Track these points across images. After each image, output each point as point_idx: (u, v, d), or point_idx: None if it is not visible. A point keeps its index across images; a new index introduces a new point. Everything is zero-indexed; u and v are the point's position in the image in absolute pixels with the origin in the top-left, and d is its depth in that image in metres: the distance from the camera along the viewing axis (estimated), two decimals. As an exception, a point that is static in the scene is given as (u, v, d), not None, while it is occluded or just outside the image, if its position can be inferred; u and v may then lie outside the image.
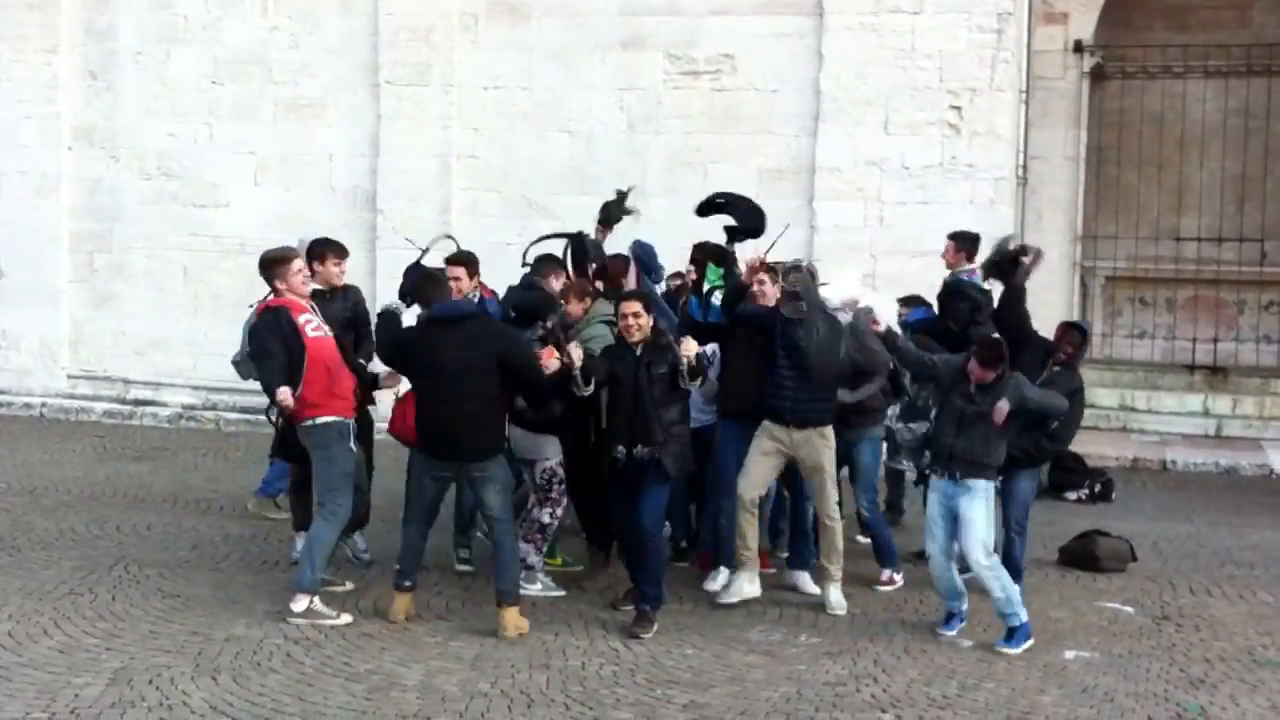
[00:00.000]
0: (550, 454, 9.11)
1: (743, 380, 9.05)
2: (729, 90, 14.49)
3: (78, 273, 16.40)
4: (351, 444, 8.60)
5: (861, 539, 10.18)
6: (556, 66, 14.87)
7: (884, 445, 10.17)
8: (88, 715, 6.85)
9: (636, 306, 8.48)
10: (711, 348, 9.48)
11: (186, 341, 16.01)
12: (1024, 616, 8.28)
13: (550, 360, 8.29)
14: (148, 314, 16.16)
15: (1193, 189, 17.63)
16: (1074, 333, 9.36)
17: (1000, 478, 8.65)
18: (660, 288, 10.20)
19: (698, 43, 14.52)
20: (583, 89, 14.83)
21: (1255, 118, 17.30)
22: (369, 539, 9.75)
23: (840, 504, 9.17)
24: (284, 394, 8.24)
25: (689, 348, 8.37)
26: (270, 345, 8.38)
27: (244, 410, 14.93)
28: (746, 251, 9.62)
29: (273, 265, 8.56)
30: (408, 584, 8.48)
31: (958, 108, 13.87)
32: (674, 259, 10.23)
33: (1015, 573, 9.13)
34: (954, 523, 8.37)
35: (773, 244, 9.54)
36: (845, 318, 9.04)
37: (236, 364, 9.36)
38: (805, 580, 9.30)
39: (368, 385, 9.24)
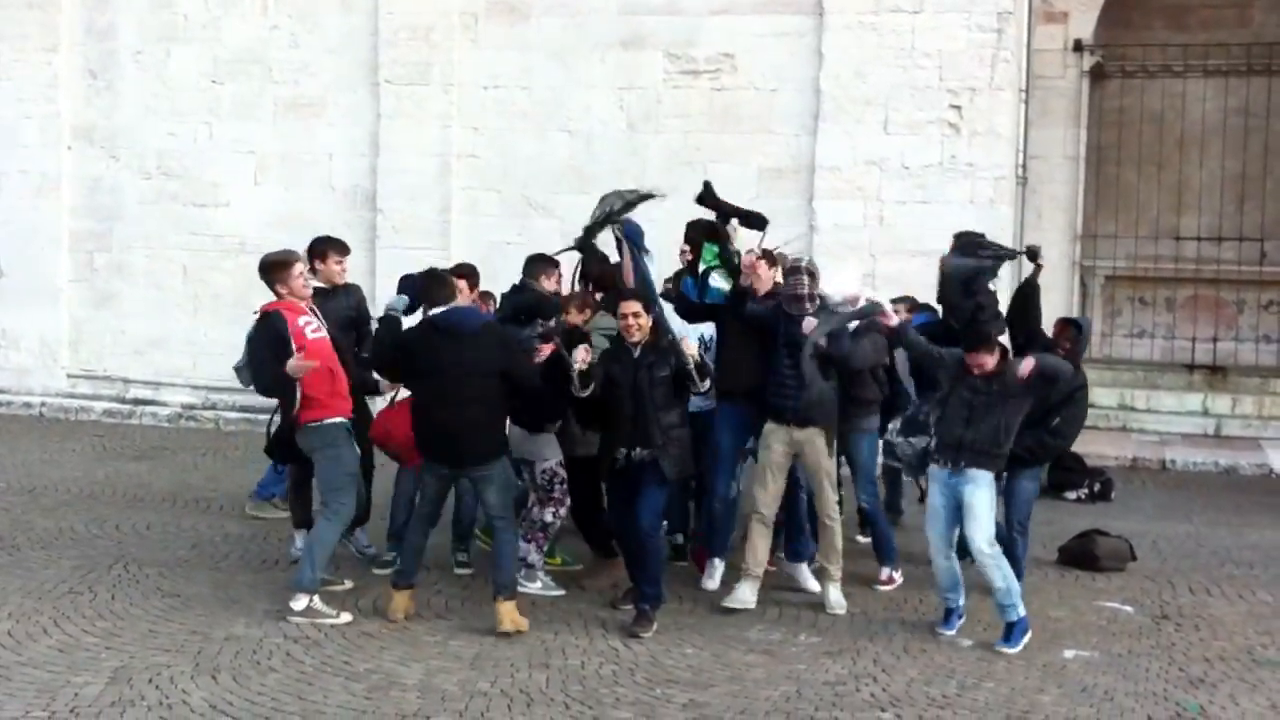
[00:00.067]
0: (549, 455, 9.11)
1: (739, 361, 9.03)
2: (729, 89, 14.49)
3: (78, 272, 16.41)
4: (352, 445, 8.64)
5: (861, 538, 10.19)
6: (556, 66, 14.88)
7: (880, 444, 10.14)
8: (87, 714, 6.85)
9: (636, 306, 8.47)
10: (709, 331, 9.49)
11: (186, 341, 16.02)
12: (1023, 611, 8.28)
13: (545, 349, 8.31)
14: (147, 313, 16.16)
15: (1192, 188, 17.65)
16: (1070, 329, 9.47)
17: (1004, 475, 8.68)
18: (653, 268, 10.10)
19: (697, 42, 14.53)
20: (582, 88, 14.83)
21: (1255, 117, 17.32)
22: (369, 539, 9.78)
23: (841, 503, 9.18)
24: (295, 362, 8.22)
25: (690, 347, 8.37)
26: (262, 353, 8.39)
27: (244, 410, 14.93)
28: (749, 241, 9.63)
29: (273, 269, 8.54)
30: (407, 583, 8.49)
31: (957, 107, 13.87)
32: (673, 258, 10.21)
33: (1016, 573, 9.15)
34: (956, 512, 8.37)
35: (763, 237, 9.57)
36: (847, 312, 9.06)
37: (238, 370, 9.31)
38: (803, 572, 9.31)
39: (371, 389, 9.26)
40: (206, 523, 10.89)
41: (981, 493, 8.27)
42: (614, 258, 9.91)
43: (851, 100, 14.06)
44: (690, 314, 9.44)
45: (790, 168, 14.32)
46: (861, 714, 7.14)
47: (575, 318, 9.22)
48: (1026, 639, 8.24)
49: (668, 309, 9.26)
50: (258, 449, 13.55)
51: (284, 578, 9.03)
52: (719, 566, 9.31)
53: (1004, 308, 10.33)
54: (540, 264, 9.79)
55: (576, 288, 9.89)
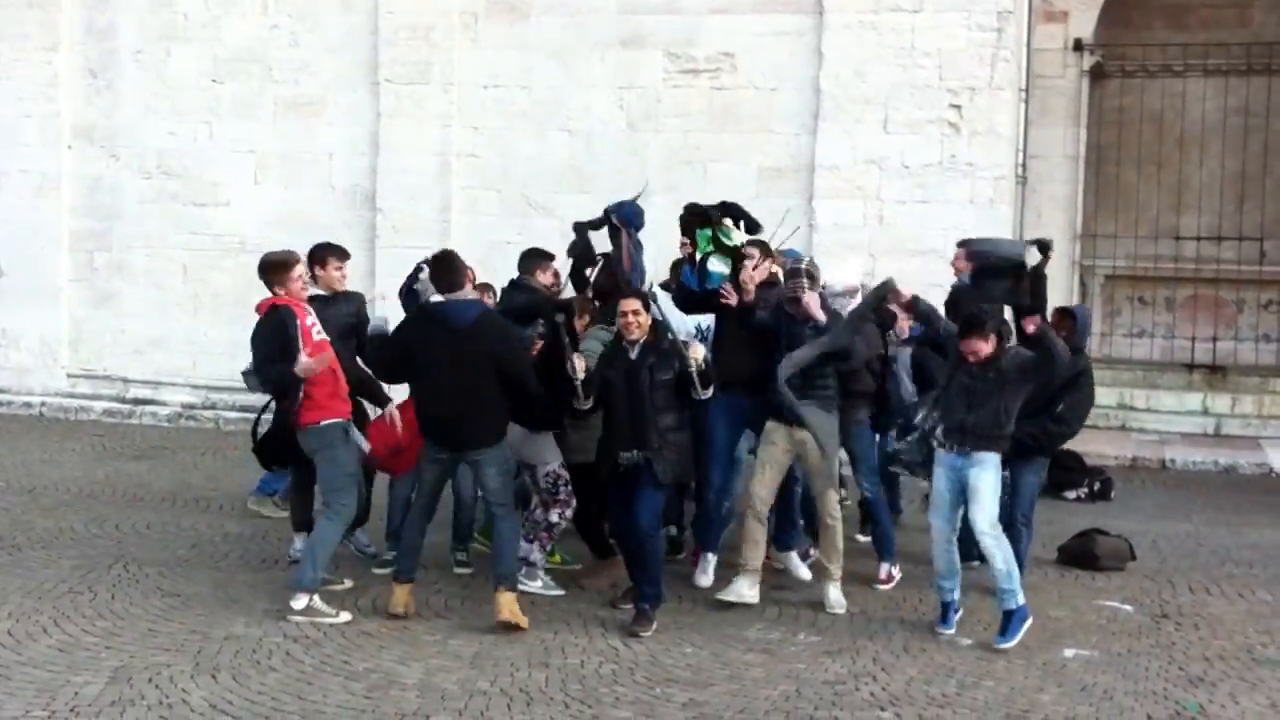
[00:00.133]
0: (550, 458, 9.10)
1: (737, 352, 9.02)
2: (728, 89, 14.50)
3: (78, 271, 16.41)
4: (359, 440, 8.62)
5: (861, 537, 10.19)
6: (556, 65, 14.88)
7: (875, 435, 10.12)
8: (87, 714, 6.85)
9: (636, 304, 8.46)
10: (707, 322, 9.48)
11: (186, 340, 16.02)
12: (1022, 599, 8.28)
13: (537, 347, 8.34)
14: (147, 313, 16.17)
15: (1192, 188, 17.66)
16: (1066, 318, 9.51)
17: (1008, 467, 8.70)
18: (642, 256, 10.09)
19: (697, 41, 14.53)
20: (582, 87, 14.84)
21: (1255, 116, 17.33)
22: (369, 538, 9.80)
23: (841, 502, 9.19)
24: (306, 362, 8.21)
25: (696, 352, 8.36)
26: (269, 348, 8.36)
27: (243, 409, 14.90)
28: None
29: (272, 270, 8.51)
30: (408, 576, 8.50)
31: (957, 106, 13.88)
32: (672, 254, 10.22)
33: (1018, 568, 9.21)
34: (960, 496, 8.39)
35: (773, 234, 9.57)
36: (847, 305, 9.06)
37: (246, 375, 9.24)
38: (794, 560, 9.31)
39: (369, 394, 9.25)
40: (206, 522, 10.89)
41: (986, 475, 8.27)
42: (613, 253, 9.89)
43: (851, 99, 14.06)
44: (691, 304, 9.43)
45: (790, 167, 14.33)
46: (861, 713, 7.14)
47: (576, 323, 9.23)
48: (1025, 627, 8.25)
49: (664, 298, 9.25)
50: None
51: (283, 577, 9.04)
52: (711, 561, 9.30)
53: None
54: (535, 259, 9.79)
55: (570, 289, 9.89)
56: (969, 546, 8.78)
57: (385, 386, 9.25)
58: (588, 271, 10.07)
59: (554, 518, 9.13)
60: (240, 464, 13.18)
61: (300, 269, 8.60)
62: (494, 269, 10.51)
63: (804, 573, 9.30)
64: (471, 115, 15.14)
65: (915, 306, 8.83)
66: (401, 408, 9.18)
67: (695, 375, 8.23)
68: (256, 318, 8.57)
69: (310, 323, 8.44)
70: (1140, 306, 17.84)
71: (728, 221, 9.49)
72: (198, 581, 9.16)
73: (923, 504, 11.15)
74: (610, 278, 9.75)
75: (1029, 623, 8.29)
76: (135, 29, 16.03)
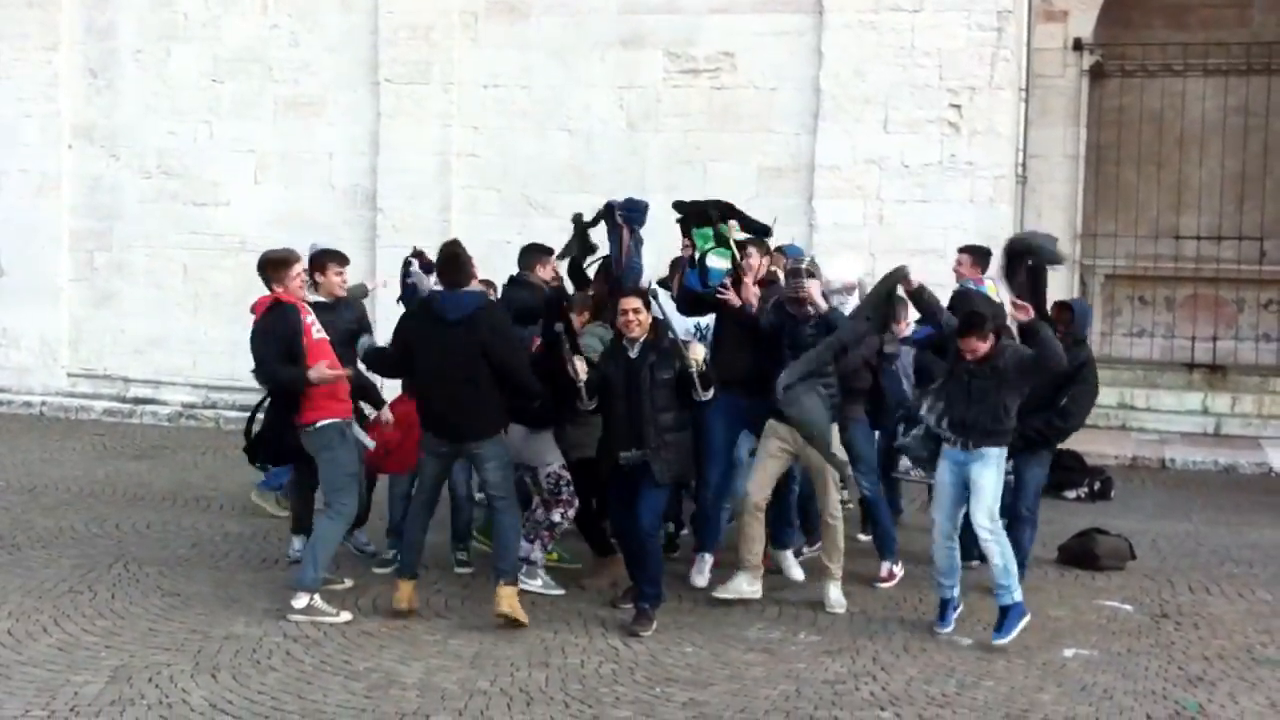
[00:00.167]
0: (551, 459, 9.10)
1: (735, 351, 9.02)
2: (728, 88, 14.50)
3: (78, 271, 16.42)
4: (362, 437, 8.62)
5: (862, 536, 10.18)
6: (556, 65, 14.88)
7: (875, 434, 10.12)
8: (87, 713, 6.85)
9: (636, 303, 8.46)
10: (707, 321, 9.48)
11: (186, 340, 16.03)
12: (1019, 595, 8.29)
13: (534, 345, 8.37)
14: (148, 312, 16.17)
15: (1192, 187, 17.66)
16: (1065, 311, 9.58)
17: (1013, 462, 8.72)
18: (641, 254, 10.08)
19: (697, 41, 14.53)
20: (582, 87, 14.84)
21: (1255, 116, 17.33)
22: (368, 537, 9.80)
23: (844, 503, 9.19)
24: (325, 373, 8.22)
25: (696, 352, 8.36)
26: (274, 344, 8.34)
27: (244, 409, 14.82)
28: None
29: (272, 267, 8.50)
30: (411, 572, 8.52)
31: (957, 106, 13.88)
32: (672, 255, 10.22)
33: (1020, 562, 9.24)
34: (963, 491, 8.39)
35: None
36: (846, 301, 9.07)
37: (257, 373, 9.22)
38: (788, 559, 9.31)
39: (369, 396, 9.27)
40: (206, 521, 10.89)
41: (988, 471, 8.28)
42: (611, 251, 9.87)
43: (851, 99, 14.07)
44: (696, 306, 9.40)
45: (790, 166, 14.34)
46: (861, 713, 7.14)
47: (575, 320, 9.24)
48: (1023, 624, 8.25)
49: (663, 295, 9.24)
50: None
51: (284, 577, 9.05)
52: (708, 561, 9.32)
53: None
54: (535, 254, 9.82)
55: (569, 285, 9.90)
56: (968, 546, 8.79)
57: (380, 383, 9.29)
58: (587, 267, 10.09)
59: (555, 517, 9.13)
60: (240, 463, 13.06)
61: (300, 267, 8.60)
62: (494, 268, 10.50)
63: (797, 573, 9.31)
64: (471, 115, 15.14)
65: (919, 296, 8.84)
66: (395, 404, 9.22)
67: (695, 376, 8.23)
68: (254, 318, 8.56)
69: (310, 320, 8.44)
70: (1140, 306, 17.84)
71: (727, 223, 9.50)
72: (198, 581, 9.16)
73: (924, 504, 11.19)
74: (605, 281, 9.74)
75: (1026, 620, 8.29)
76: (135, 28, 16.04)
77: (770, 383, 8.82)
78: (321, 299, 9.12)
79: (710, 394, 8.33)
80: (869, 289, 9.19)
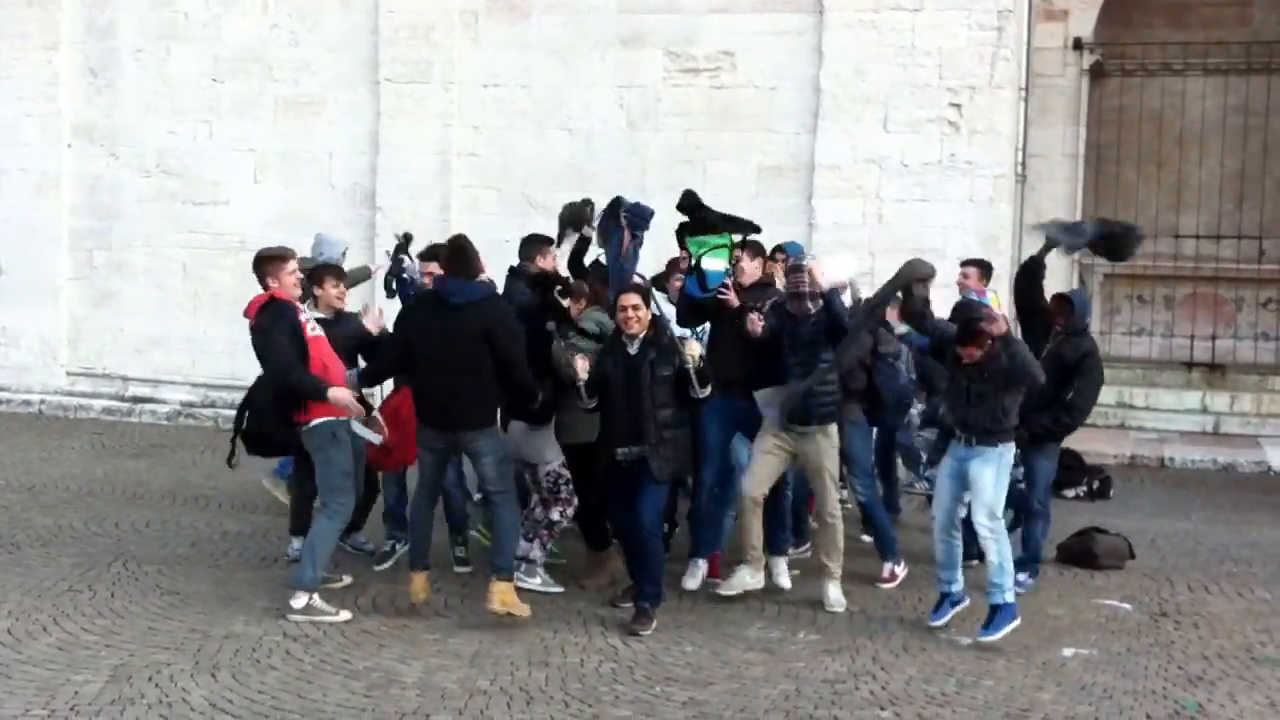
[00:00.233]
0: (551, 457, 9.12)
1: (731, 353, 9.02)
2: (728, 88, 14.49)
3: (77, 270, 16.41)
4: (366, 434, 8.62)
5: (865, 537, 10.18)
6: (556, 64, 14.88)
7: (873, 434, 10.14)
8: (87, 712, 6.86)
9: (636, 299, 8.45)
10: (704, 326, 9.49)
11: (185, 339, 16.03)
12: (1010, 596, 8.29)
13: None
14: (147, 311, 16.17)
15: (1191, 186, 17.67)
16: (1064, 304, 9.62)
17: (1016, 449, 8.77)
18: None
19: (697, 40, 14.53)
20: (582, 87, 14.84)
21: (1254, 115, 17.34)
22: (365, 536, 9.83)
23: (843, 503, 9.20)
24: (344, 397, 8.25)
25: (693, 349, 8.36)
26: (279, 338, 8.31)
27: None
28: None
29: (267, 263, 8.50)
30: (422, 564, 8.52)
31: (957, 105, 13.87)
32: (670, 248, 10.23)
33: (1035, 555, 9.27)
34: (963, 485, 8.41)
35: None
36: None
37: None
38: (781, 566, 9.30)
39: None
40: (205, 520, 10.90)
41: (988, 468, 8.28)
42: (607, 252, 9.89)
43: (851, 98, 14.06)
44: (696, 314, 9.40)
45: (790, 166, 14.33)
46: (860, 712, 7.15)
47: (572, 307, 9.27)
48: (1011, 626, 8.23)
49: (660, 297, 9.25)
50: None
51: (283, 575, 9.05)
52: (701, 567, 9.32)
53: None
54: (535, 244, 9.86)
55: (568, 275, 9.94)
56: (968, 545, 8.79)
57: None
58: (585, 260, 10.14)
59: (555, 516, 9.14)
60: (240, 462, 13.18)
61: (294, 264, 8.60)
62: (494, 268, 10.46)
63: (785, 581, 9.28)
64: (471, 114, 15.14)
65: (910, 298, 8.86)
66: (390, 399, 9.22)
67: (693, 373, 8.23)
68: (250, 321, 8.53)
69: (305, 318, 8.45)
70: (1139, 305, 17.86)
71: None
72: (197, 580, 9.17)
73: (922, 505, 11.21)
74: (600, 279, 9.78)
75: (1016, 623, 8.27)
76: (135, 28, 16.03)
77: (767, 387, 8.86)
78: (321, 315, 9.10)
79: (707, 391, 8.33)
80: (866, 289, 9.18)
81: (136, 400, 16.05)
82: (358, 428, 8.61)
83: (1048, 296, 10.06)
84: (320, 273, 9.42)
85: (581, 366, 8.32)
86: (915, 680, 7.64)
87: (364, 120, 15.39)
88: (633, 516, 8.42)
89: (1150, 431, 15.85)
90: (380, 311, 9.56)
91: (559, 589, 9.11)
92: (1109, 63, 17.32)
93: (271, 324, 8.36)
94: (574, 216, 10.34)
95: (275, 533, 10.32)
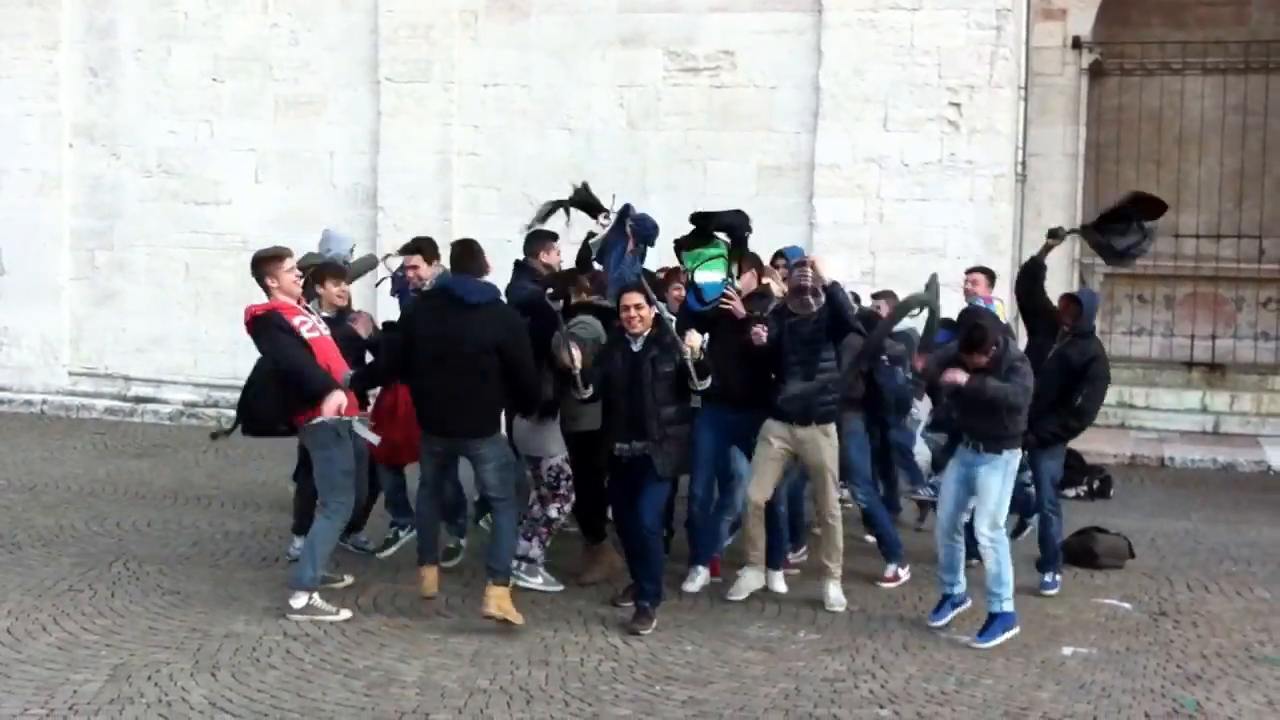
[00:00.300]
0: (555, 451, 9.14)
1: (728, 367, 8.99)
2: (728, 87, 14.50)
3: (79, 270, 16.42)
4: (364, 433, 8.63)
5: (869, 537, 10.17)
6: (556, 63, 14.89)
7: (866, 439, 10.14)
8: (87, 712, 6.87)
9: (638, 298, 8.47)
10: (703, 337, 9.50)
11: (187, 339, 16.04)
12: (1009, 606, 8.30)
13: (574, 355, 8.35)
14: (149, 311, 16.18)
15: (1191, 186, 17.65)
16: (1072, 304, 9.60)
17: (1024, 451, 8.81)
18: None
19: (697, 39, 14.54)
20: (582, 86, 14.85)
21: (1253, 114, 17.34)
22: (365, 535, 9.84)
23: (843, 503, 9.22)
24: (336, 401, 8.23)
25: (693, 340, 8.38)
26: (283, 339, 8.33)
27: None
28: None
29: (264, 264, 8.50)
30: (432, 559, 8.53)
31: (957, 104, 13.88)
32: (671, 256, 10.22)
33: (1055, 554, 9.42)
34: (968, 490, 8.41)
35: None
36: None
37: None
38: (776, 579, 9.31)
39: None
40: (207, 520, 10.91)
41: (995, 475, 8.28)
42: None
43: (851, 98, 14.07)
44: (696, 326, 9.38)
45: (790, 165, 14.34)
46: (860, 711, 7.16)
47: (579, 294, 9.33)
48: (1008, 635, 8.24)
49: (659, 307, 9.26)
50: (258, 447, 13.60)
51: (283, 575, 9.06)
52: (701, 573, 9.34)
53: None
54: (540, 240, 9.90)
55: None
56: (969, 544, 8.80)
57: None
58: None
59: (552, 513, 9.16)
60: (241, 462, 13.24)
61: (291, 262, 8.60)
62: (495, 267, 10.50)
63: (780, 586, 9.30)
64: (472, 114, 15.15)
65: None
66: (379, 406, 9.22)
67: (691, 365, 8.24)
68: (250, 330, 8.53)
69: (298, 321, 8.43)
70: (1139, 304, 17.86)
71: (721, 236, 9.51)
72: (198, 579, 9.18)
73: (918, 509, 11.24)
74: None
75: (1013, 632, 8.28)
76: (136, 27, 16.04)
77: (762, 398, 8.88)
78: (325, 314, 9.14)
79: (707, 383, 8.33)
80: (866, 288, 9.22)
81: (138, 400, 16.07)
82: (358, 428, 8.61)
83: (1049, 296, 10.08)
84: (321, 272, 9.46)
85: (576, 356, 8.32)
86: (915, 679, 7.65)
87: (364, 120, 15.40)
88: (633, 516, 8.43)
89: (1150, 431, 15.86)
90: (370, 320, 9.54)
91: (559, 587, 9.12)
92: (1108, 62, 17.32)
93: (264, 328, 8.37)
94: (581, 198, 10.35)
95: (276, 532, 10.34)
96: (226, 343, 15.09)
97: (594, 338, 8.96)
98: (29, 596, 8.66)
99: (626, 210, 9.63)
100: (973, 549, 8.87)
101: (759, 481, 8.93)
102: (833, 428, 8.96)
